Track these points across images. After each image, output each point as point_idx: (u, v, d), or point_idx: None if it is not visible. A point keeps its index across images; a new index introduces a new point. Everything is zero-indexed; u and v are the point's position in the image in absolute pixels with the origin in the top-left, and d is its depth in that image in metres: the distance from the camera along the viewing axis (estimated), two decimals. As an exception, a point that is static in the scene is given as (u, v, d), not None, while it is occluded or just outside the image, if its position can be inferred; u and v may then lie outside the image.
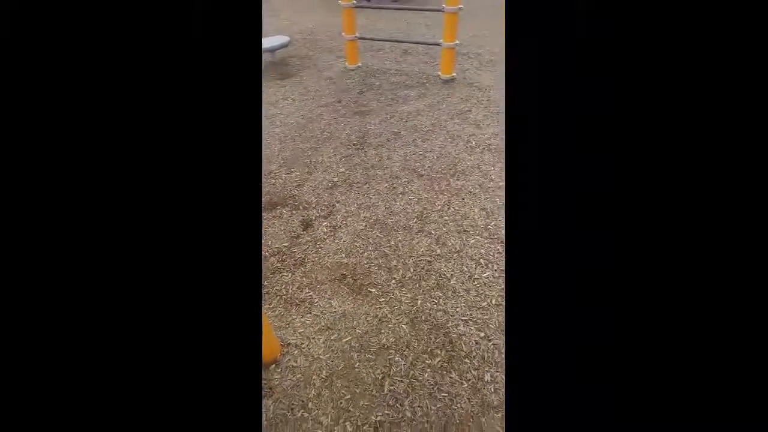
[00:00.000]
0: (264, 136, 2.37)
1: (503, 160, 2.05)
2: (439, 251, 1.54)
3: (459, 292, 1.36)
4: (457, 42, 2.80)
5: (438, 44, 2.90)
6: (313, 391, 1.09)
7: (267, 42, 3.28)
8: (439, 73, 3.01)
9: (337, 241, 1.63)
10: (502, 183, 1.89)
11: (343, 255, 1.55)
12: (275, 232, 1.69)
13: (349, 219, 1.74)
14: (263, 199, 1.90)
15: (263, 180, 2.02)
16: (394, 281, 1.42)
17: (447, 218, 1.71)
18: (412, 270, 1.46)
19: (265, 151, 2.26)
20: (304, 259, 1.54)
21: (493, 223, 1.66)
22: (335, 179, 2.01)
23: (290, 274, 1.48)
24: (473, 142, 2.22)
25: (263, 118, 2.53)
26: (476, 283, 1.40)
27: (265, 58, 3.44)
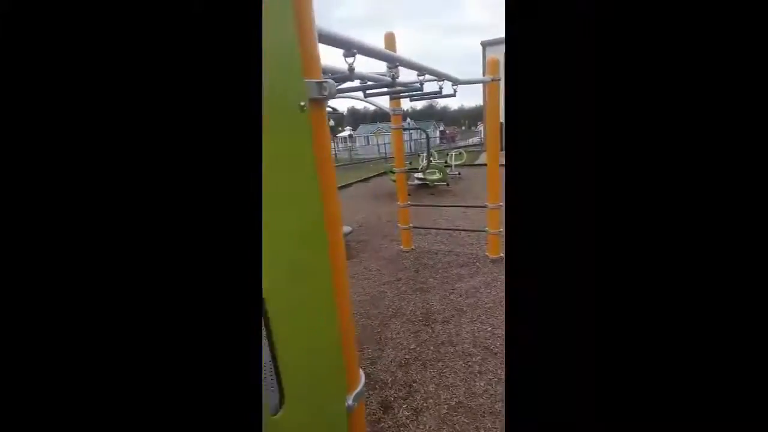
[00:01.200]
0: (338, 314, 2.62)
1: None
2: (534, 441, 1.47)
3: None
4: (501, 229, 3.32)
5: (484, 230, 3.43)
6: None
7: (336, 233, 4.00)
8: (487, 253, 3.43)
9: (421, 427, 1.61)
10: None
11: (431, 444, 1.51)
12: (358, 415, 1.71)
13: (430, 401, 1.75)
14: (363, 403, 1.98)
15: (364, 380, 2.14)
16: (493, 478, 1.33)
17: (531, 401, 1.68)
18: (509, 464, 1.38)
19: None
20: (391, 448, 1.51)
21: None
22: (407, 356, 2.10)
23: (379, 468, 1.43)
24: (535, 318, 2.34)
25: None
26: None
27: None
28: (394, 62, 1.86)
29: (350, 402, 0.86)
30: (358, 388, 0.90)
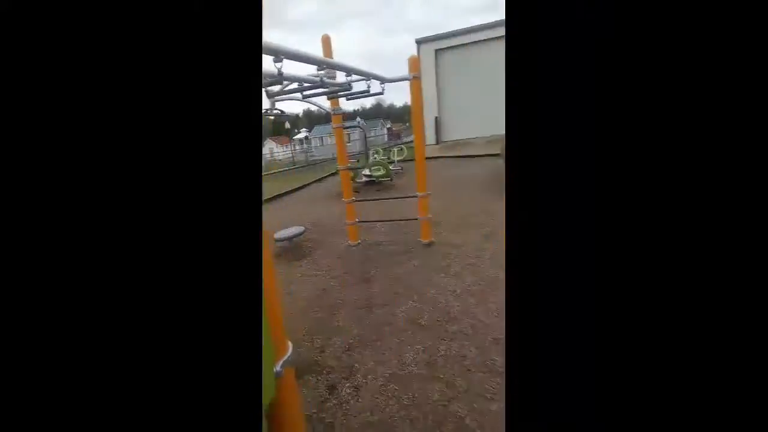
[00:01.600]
0: (287, 310, 2.72)
1: (485, 302, 2.43)
2: (450, 394, 1.73)
3: (475, 430, 1.51)
4: (429, 216, 3.64)
5: (416, 219, 3.72)
6: None
7: (286, 232, 4.07)
8: (420, 239, 3.73)
9: (360, 400, 1.79)
10: (489, 322, 2.23)
11: (368, 413, 1.70)
12: (304, 399, 1.84)
13: (369, 377, 1.94)
14: (293, 369, 2.10)
15: (292, 350, 2.26)
16: None
17: (451, 361, 1.95)
18: (431, 417, 1.62)
19: (289, 324, 2.57)
20: (333, 423, 1.68)
21: (488, 359, 1.91)
22: (351, 341, 2.28)
23: (320, 439, 1.59)
24: (457, 291, 2.67)
25: (285, 295, 2.94)
26: (488, 417, 1.56)
27: (284, 245, 4.16)
28: (320, 65, 2.01)
29: (278, 368, 1.01)
30: (285, 356, 1.06)
